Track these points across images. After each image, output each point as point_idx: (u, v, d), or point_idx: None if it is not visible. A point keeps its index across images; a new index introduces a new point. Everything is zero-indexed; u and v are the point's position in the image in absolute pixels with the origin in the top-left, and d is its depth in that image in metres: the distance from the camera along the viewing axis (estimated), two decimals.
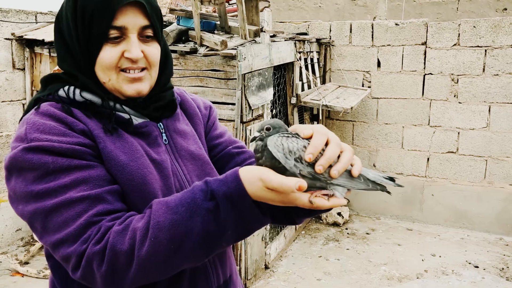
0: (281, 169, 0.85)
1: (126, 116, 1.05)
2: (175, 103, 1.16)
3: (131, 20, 1.00)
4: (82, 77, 1.03)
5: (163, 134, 1.12)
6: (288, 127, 0.93)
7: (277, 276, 4.09)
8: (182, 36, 3.77)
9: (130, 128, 1.05)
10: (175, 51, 3.62)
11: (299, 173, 0.84)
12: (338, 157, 0.87)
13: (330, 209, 1.02)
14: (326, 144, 0.87)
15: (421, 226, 5.22)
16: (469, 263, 4.34)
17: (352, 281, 4.02)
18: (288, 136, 0.88)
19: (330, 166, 0.85)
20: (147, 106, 1.09)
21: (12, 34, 4.30)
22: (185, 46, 3.63)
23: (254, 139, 0.92)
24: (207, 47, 3.57)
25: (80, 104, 1.03)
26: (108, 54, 1.01)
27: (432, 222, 5.25)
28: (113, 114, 1.03)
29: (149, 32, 1.04)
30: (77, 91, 1.03)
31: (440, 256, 4.48)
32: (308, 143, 0.86)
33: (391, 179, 0.95)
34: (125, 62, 1.02)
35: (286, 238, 4.60)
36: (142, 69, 1.05)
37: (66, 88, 1.03)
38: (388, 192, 0.93)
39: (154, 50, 1.06)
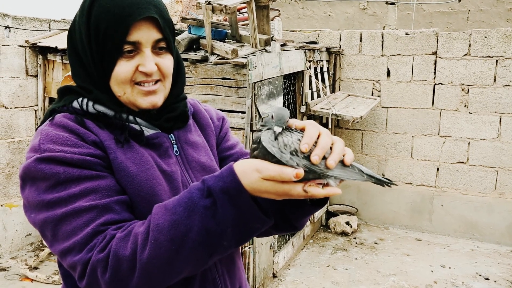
0: (276, 163, 0.86)
1: (138, 127, 1.06)
2: (187, 114, 1.17)
3: (145, 34, 1.02)
4: (97, 92, 1.05)
5: (174, 146, 1.13)
6: None
7: (285, 285, 4.07)
8: (193, 45, 3.80)
9: (142, 140, 1.06)
10: (186, 59, 3.65)
11: (296, 165, 0.84)
12: (331, 149, 0.88)
13: (325, 202, 1.02)
14: (318, 137, 0.88)
15: (431, 237, 5.18)
16: (480, 275, 4.29)
17: None
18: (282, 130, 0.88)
19: (324, 158, 0.86)
20: (159, 117, 1.11)
21: (26, 41, 4.37)
22: (196, 54, 3.66)
23: (277, 135, 0.90)
24: (218, 55, 3.60)
25: (93, 115, 1.04)
26: (123, 69, 1.02)
27: (442, 233, 5.20)
28: (126, 126, 1.05)
29: (162, 45, 1.06)
30: (90, 103, 1.05)
31: (450, 268, 4.43)
32: (302, 136, 0.87)
33: (384, 178, 0.95)
34: (140, 76, 1.04)
35: (294, 246, 4.58)
36: (156, 82, 1.07)
37: (80, 100, 1.05)
38: (387, 185, 0.93)
39: (167, 62, 1.07)
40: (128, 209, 0.99)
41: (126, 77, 1.03)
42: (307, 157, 0.85)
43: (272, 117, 0.89)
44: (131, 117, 1.06)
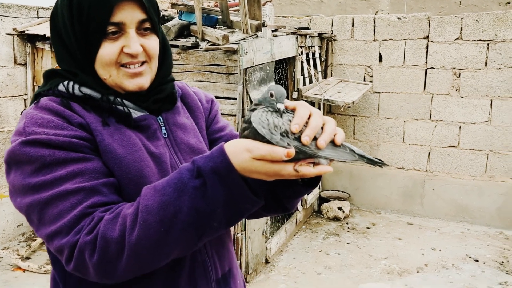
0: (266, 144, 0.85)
1: (125, 109, 1.06)
2: (175, 96, 1.17)
3: (129, 15, 1.00)
4: (82, 75, 1.04)
5: (163, 128, 1.12)
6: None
7: (278, 271, 4.11)
8: (184, 31, 3.77)
9: (129, 122, 1.06)
10: (176, 46, 3.62)
11: (287, 146, 0.84)
12: (322, 129, 0.88)
13: (317, 183, 1.02)
14: (309, 118, 0.88)
15: (422, 221, 5.23)
16: (469, 257, 4.35)
17: (352, 275, 4.03)
18: (272, 111, 0.87)
19: (315, 139, 0.85)
20: (146, 99, 1.10)
21: (14, 29, 4.30)
22: (186, 41, 3.63)
23: (281, 112, 0.89)
24: (209, 41, 3.57)
25: (79, 98, 1.04)
26: (107, 51, 1.01)
27: (433, 217, 5.25)
28: (113, 108, 1.04)
29: (147, 25, 1.04)
30: (76, 86, 1.04)
31: (440, 250, 4.49)
32: (293, 117, 0.86)
33: (376, 159, 0.95)
34: (125, 58, 1.03)
35: (286, 232, 4.61)
36: (142, 63, 1.06)
37: (65, 83, 1.04)
38: (379, 165, 0.94)
39: (153, 43, 1.06)
40: (116, 192, 0.99)
41: (111, 59, 1.02)
42: (298, 137, 0.84)
43: (272, 95, 0.89)
44: (118, 99, 1.05)
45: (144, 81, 1.07)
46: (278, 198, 1.05)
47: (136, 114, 1.08)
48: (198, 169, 0.88)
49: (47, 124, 0.96)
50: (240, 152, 0.86)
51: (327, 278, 3.98)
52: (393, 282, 3.91)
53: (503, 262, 4.25)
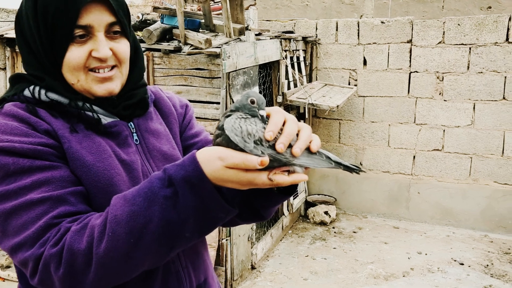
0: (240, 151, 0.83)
1: (94, 115, 1.02)
2: (147, 101, 1.13)
3: (97, 18, 0.96)
4: (49, 80, 0.99)
5: (134, 134, 1.08)
6: None
7: (264, 277, 4.07)
8: (166, 35, 3.73)
9: (99, 128, 1.02)
10: (159, 50, 3.57)
11: (260, 154, 0.81)
12: (297, 136, 0.85)
13: (293, 191, 0.99)
14: (283, 124, 0.85)
15: (408, 224, 5.24)
16: (455, 261, 4.36)
17: (338, 280, 4.01)
18: (246, 118, 0.84)
19: (290, 146, 0.83)
20: (117, 104, 1.06)
21: None
22: (169, 44, 3.59)
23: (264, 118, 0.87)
24: (192, 45, 3.53)
25: (46, 104, 0.99)
26: (74, 55, 0.97)
27: (419, 220, 5.27)
28: (81, 114, 1.00)
29: (117, 28, 1.01)
30: (43, 91, 0.99)
31: (426, 254, 4.49)
32: (267, 124, 0.83)
33: (353, 165, 0.91)
34: (94, 62, 0.99)
35: (273, 238, 4.58)
36: (112, 67, 1.02)
37: (31, 88, 1.00)
38: (356, 172, 0.91)
39: (123, 47, 1.03)
40: (84, 201, 0.95)
41: (79, 63, 0.98)
42: (272, 145, 0.81)
43: (253, 101, 0.86)
44: (87, 105, 1.01)
45: (114, 86, 1.03)
46: (253, 207, 1.02)
47: (106, 120, 1.04)
48: (169, 178, 0.85)
49: (10, 131, 0.92)
50: (213, 160, 0.82)
51: (314, 284, 3.95)
52: (379, 286, 3.89)
53: (487, 265, 4.26)
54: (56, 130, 0.96)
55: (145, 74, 3.59)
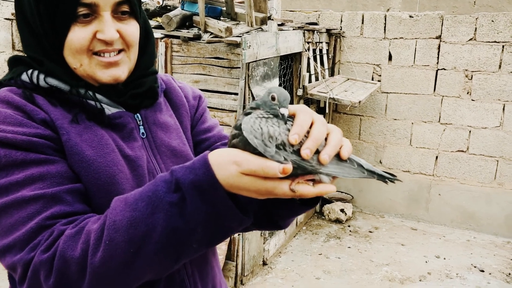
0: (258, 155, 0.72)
1: (98, 105, 0.92)
2: (156, 90, 1.03)
3: None
4: (49, 63, 0.90)
5: (141, 127, 0.99)
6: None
7: (275, 273, 3.98)
8: (186, 22, 3.62)
9: (102, 119, 0.92)
10: (178, 37, 3.48)
11: (283, 161, 0.70)
12: (325, 140, 0.74)
13: (317, 201, 0.88)
14: (310, 126, 0.73)
15: (426, 226, 5.08)
16: (475, 267, 4.20)
17: (352, 281, 3.90)
18: (267, 118, 0.73)
19: (317, 152, 0.72)
20: (123, 93, 0.96)
21: (12, 14, 4.17)
22: (188, 32, 3.49)
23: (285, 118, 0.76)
24: (212, 33, 3.43)
25: (44, 90, 0.90)
26: (77, 36, 0.88)
27: (438, 223, 5.10)
28: (83, 103, 0.91)
29: (125, 8, 0.91)
30: (42, 76, 0.90)
31: (444, 258, 4.34)
32: (291, 125, 0.72)
33: (386, 173, 0.80)
34: (98, 45, 0.90)
35: (286, 234, 4.48)
36: (119, 51, 0.93)
37: (29, 72, 0.91)
38: (391, 181, 0.79)
39: (132, 29, 0.93)
40: (82, 200, 0.86)
41: (82, 46, 0.88)
42: (297, 150, 0.71)
43: (274, 98, 0.75)
44: (89, 93, 0.92)
45: (121, 72, 0.93)
46: (270, 215, 0.91)
47: (110, 110, 0.95)
48: (176, 182, 0.75)
49: (3, 119, 0.83)
50: (227, 165, 0.72)
51: (326, 284, 3.85)
52: None
53: (510, 274, 4.09)
54: (54, 120, 0.87)
55: (163, 61, 3.51)
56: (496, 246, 4.65)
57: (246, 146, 0.71)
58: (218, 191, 0.73)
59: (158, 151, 0.99)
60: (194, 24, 3.59)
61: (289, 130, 0.71)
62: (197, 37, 3.42)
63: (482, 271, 4.13)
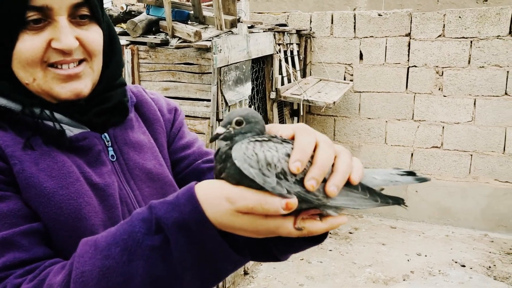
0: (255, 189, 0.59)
1: (57, 126, 0.78)
2: (125, 105, 0.89)
3: None
4: None
5: (110, 148, 0.85)
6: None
7: (257, 282, 3.86)
8: (152, 27, 3.47)
9: (62, 142, 0.78)
10: (144, 43, 3.32)
11: (286, 193, 0.58)
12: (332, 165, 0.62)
13: (326, 236, 0.77)
14: (314, 149, 0.61)
15: (405, 224, 5.07)
16: (456, 262, 4.20)
17: (336, 285, 3.82)
18: (262, 140, 0.60)
19: (324, 180, 0.60)
20: (87, 110, 0.82)
21: None
22: (155, 37, 3.34)
23: (215, 137, 0.64)
24: (180, 38, 3.29)
25: None
26: (28, 46, 0.74)
27: (416, 219, 5.10)
28: (38, 125, 0.77)
29: (85, 11, 0.77)
30: None
31: (425, 256, 4.32)
32: (292, 148, 0.60)
33: (410, 173, 0.69)
34: (54, 55, 0.76)
35: None
36: (80, 62, 0.79)
37: None
38: (405, 205, 0.68)
39: (93, 35, 0.79)
40: (42, 242, 0.72)
41: (34, 57, 0.74)
42: (300, 180, 0.58)
43: (240, 123, 0.62)
44: (46, 112, 0.78)
45: (83, 86, 0.80)
46: (269, 250, 0.78)
47: (72, 131, 0.81)
48: (157, 221, 0.62)
49: None
50: (218, 202, 0.60)
51: None
52: None
53: (490, 267, 4.11)
54: (3, 147, 0.73)
55: (129, 69, 3.35)
56: (474, 240, 4.67)
57: (240, 178, 0.59)
58: (208, 230, 0.61)
59: (131, 176, 0.86)
60: (161, 29, 3.45)
61: (288, 155, 0.59)
62: (165, 43, 3.27)
63: (463, 266, 4.13)
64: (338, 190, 0.59)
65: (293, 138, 0.62)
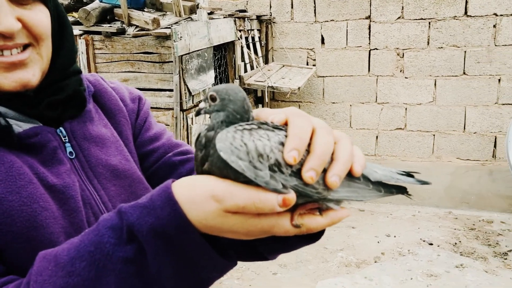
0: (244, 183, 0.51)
1: (1, 121, 0.67)
2: (82, 95, 0.79)
3: None
4: None
5: (67, 144, 0.75)
6: None
7: (230, 274, 3.79)
8: (107, 15, 3.29)
9: (10, 140, 0.67)
10: (99, 33, 3.15)
11: (281, 188, 0.50)
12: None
13: (322, 232, 0.70)
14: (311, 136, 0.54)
15: (373, 206, 5.12)
16: (424, 241, 4.28)
17: (309, 271, 3.81)
18: (251, 128, 0.52)
19: (323, 171, 0.52)
20: (38, 103, 0.71)
21: None
22: (110, 26, 3.17)
23: (198, 112, 0.56)
24: (137, 26, 3.14)
25: None
26: None
27: (383, 201, 5.16)
28: None
29: None
30: None
31: (394, 236, 4.38)
32: (285, 135, 0.52)
33: (409, 174, 0.63)
34: None
35: None
36: (24, 47, 0.68)
37: None
38: (409, 195, 0.62)
39: (39, 16, 0.68)
40: None
41: None
42: (297, 171, 0.50)
43: (214, 98, 0.54)
44: None
45: (31, 75, 0.69)
46: (255, 247, 0.70)
47: (20, 127, 0.70)
48: (129, 228, 0.53)
49: None
50: (203, 201, 0.51)
51: (284, 277, 3.73)
52: (352, 275, 3.73)
53: (456, 244, 4.21)
54: None
55: (85, 60, 3.17)
56: (439, 218, 4.78)
57: (226, 171, 0.50)
58: (191, 236, 0.52)
59: (94, 174, 0.76)
60: (116, 18, 3.28)
61: (282, 144, 0.51)
62: (121, 32, 3.12)
63: (431, 244, 4.22)
64: (340, 180, 0.52)
65: (285, 124, 0.54)
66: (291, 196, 0.49)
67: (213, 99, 0.54)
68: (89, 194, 0.74)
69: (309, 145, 0.52)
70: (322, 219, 0.53)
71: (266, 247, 0.67)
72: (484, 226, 4.59)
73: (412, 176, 0.62)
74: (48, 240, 0.64)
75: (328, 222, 0.53)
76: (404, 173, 0.62)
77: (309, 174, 0.50)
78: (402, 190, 0.60)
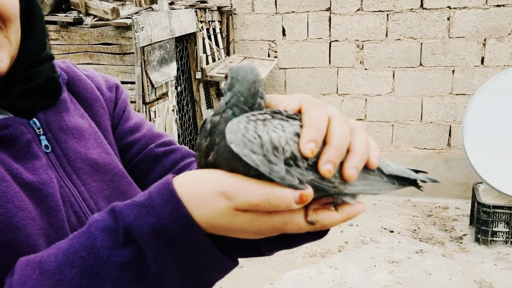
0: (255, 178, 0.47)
1: None
2: (56, 82, 0.72)
3: None
4: None
5: (42, 137, 0.68)
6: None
7: None
8: (62, 4, 3.13)
9: None
10: (54, 22, 2.99)
11: (298, 184, 0.46)
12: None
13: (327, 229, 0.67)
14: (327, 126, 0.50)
15: None
16: (385, 229, 4.39)
17: (275, 264, 3.82)
18: (264, 118, 0.48)
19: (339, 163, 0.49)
20: (7, 92, 0.65)
21: None
22: (66, 16, 3.02)
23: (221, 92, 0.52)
24: (95, 16, 3.00)
25: None
26: None
27: None
28: None
29: None
30: None
31: (357, 225, 4.47)
32: (300, 125, 0.48)
33: (416, 172, 0.61)
34: None
35: None
36: None
37: None
38: (419, 187, 0.60)
39: None
40: None
41: None
42: (313, 164, 0.47)
43: (226, 77, 0.50)
44: None
45: None
46: (253, 242, 0.67)
47: None
48: (125, 229, 0.48)
49: None
50: (209, 198, 0.47)
51: (250, 270, 3.72)
52: (318, 265, 3.77)
53: (415, 230, 4.35)
54: None
55: None
56: (399, 206, 4.92)
57: (235, 165, 0.46)
58: (195, 236, 0.48)
59: (73, 169, 0.70)
60: (72, 7, 3.12)
61: (298, 134, 0.47)
62: (78, 21, 2.97)
63: (392, 231, 4.33)
64: (358, 173, 0.49)
65: (299, 112, 0.50)
66: (309, 192, 0.45)
67: (226, 77, 0.50)
68: (68, 191, 0.68)
69: (326, 136, 0.48)
70: (338, 214, 0.50)
71: (270, 245, 0.63)
72: (440, 212, 4.76)
73: (417, 173, 0.60)
74: (26, 243, 0.58)
75: (344, 218, 0.51)
76: (413, 170, 0.60)
77: (327, 167, 0.46)
78: (413, 182, 0.58)
